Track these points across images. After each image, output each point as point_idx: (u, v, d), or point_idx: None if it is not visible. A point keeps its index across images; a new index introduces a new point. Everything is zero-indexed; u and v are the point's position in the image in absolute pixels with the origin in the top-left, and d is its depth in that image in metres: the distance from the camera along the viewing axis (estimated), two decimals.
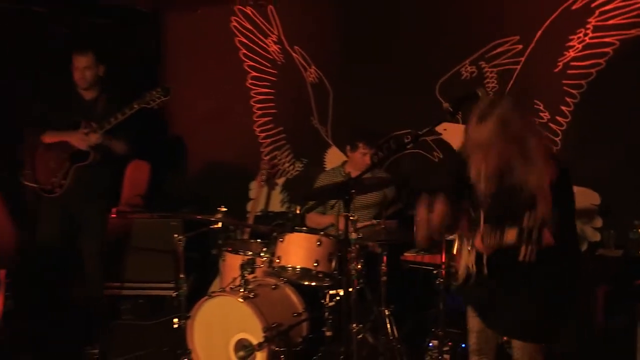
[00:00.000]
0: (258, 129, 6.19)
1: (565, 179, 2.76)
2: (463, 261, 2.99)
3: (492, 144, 2.69)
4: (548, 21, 4.86)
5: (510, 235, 2.69)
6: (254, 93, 6.17)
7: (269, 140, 6.16)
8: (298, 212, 4.87)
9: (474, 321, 3.13)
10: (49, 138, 4.80)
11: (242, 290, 4.10)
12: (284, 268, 4.27)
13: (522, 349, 2.94)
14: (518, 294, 2.86)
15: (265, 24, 6.00)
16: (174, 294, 4.99)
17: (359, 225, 4.25)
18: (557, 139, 4.93)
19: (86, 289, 5.14)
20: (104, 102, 4.85)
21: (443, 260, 4.15)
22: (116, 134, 4.78)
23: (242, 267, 4.17)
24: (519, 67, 5.01)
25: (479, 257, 2.90)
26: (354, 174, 4.94)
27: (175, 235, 4.56)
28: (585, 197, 4.83)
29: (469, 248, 2.99)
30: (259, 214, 5.77)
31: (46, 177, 4.79)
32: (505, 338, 3.07)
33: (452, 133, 5.26)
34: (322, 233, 4.30)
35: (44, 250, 4.87)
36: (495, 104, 2.76)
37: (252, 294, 4.10)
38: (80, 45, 4.86)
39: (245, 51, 6.14)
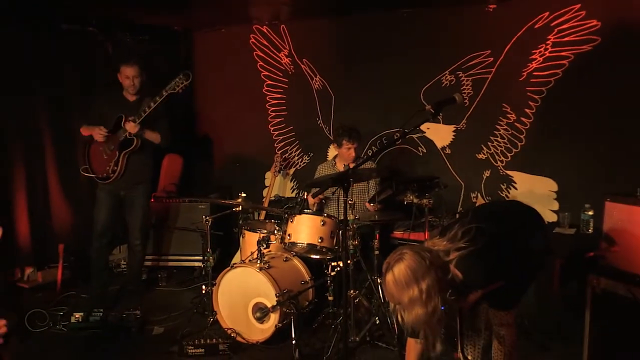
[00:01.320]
0: (272, 128, 6.18)
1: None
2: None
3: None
4: (514, 38, 4.83)
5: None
6: (269, 98, 6.15)
7: (281, 138, 6.16)
8: (305, 197, 4.85)
9: None
10: (84, 130, 4.84)
11: (258, 262, 4.11)
12: (293, 244, 4.27)
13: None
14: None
15: (279, 40, 5.98)
16: (202, 265, 5.03)
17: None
18: (522, 136, 4.92)
19: (130, 257, 5.18)
20: (147, 103, 4.73)
21: (426, 237, 4.16)
22: (151, 126, 4.78)
23: (259, 243, 4.17)
24: (490, 76, 4.99)
25: None
26: (340, 166, 4.97)
27: (204, 217, 4.59)
28: (544, 184, 4.84)
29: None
30: (273, 198, 5.77)
31: (102, 167, 4.79)
32: None
33: (434, 131, 5.26)
34: (325, 215, 4.30)
35: (100, 228, 4.93)
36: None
37: (267, 265, 4.12)
38: (127, 58, 4.86)
39: (262, 63, 6.12)
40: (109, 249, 5.25)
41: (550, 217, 4.79)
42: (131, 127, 4.64)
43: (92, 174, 4.85)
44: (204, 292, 4.47)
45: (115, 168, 4.75)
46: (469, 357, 2.85)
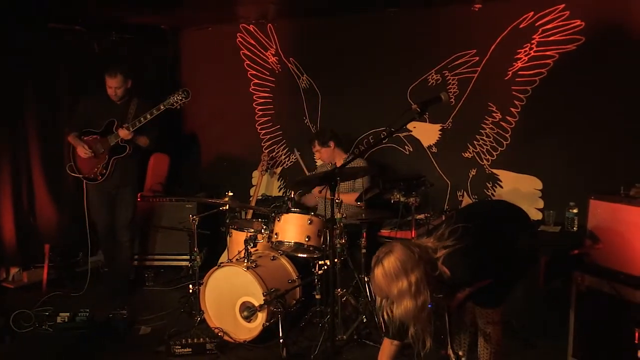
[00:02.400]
0: (259, 127, 6.15)
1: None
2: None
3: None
4: (500, 37, 4.85)
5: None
6: (256, 97, 6.13)
7: (268, 136, 6.14)
8: (292, 196, 4.85)
9: None
10: (70, 140, 4.88)
11: (246, 261, 4.10)
12: (280, 242, 4.27)
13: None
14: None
15: (266, 39, 5.96)
16: (189, 264, 5.01)
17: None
18: (507, 135, 4.93)
19: (118, 255, 5.18)
20: (135, 107, 4.89)
21: (413, 236, 4.17)
22: (140, 131, 4.83)
23: (246, 242, 4.17)
24: (476, 75, 5.00)
25: None
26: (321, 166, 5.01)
27: (191, 216, 4.57)
28: (530, 183, 4.86)
29: None
30: (260, 197, 5.76)
31: (89, 168, 4.85)
32: None
33: (420, 130, 5.27)
34: (312, 214, 4.29)
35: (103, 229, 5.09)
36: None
37: (254, 264, 4.11)
38: (111, 68, 4.85)
39: (248, 62, 6.09)
40: (118, 245, 5.21)
41: (535, 215, 4.82)
42: (125, 134, 4.72)
43: (78, 173, 4.87)
44: (191, 291, 4.46)
45: (104, 171, 4.83)
46: (460, 353, 2.85)
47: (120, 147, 4.81)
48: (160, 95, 4.89)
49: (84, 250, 5.39)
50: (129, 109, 4.85)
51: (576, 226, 4.15)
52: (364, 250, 4.36)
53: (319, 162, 5.28)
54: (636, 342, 3.17)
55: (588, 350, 3.53)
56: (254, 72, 6.09)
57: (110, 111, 4.84)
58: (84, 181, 4.92)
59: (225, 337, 4.09)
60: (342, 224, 4.19)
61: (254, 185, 6.01)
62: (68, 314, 4.35)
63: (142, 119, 4.69)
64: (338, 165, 4.91)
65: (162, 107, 4.65)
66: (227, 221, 4.84)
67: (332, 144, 4.99)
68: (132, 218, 5.13)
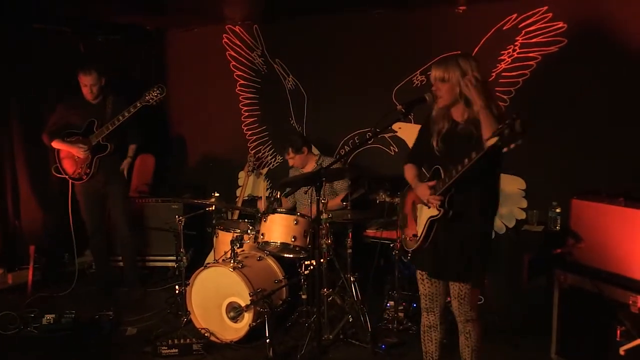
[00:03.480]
0: (245, 128, 6.14)
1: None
2: (418, 228, 3.02)
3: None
4: (484, 39, 4.88)
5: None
6: (242, 98, 6.12)
7: (254, 137, 6.13)
8: (278, 196, 4.84)
9: (422, 285, 3.15)
10: (57, 144, 4.90)
11: (232, 261, 4.09)
12: (267, 243, 4.26)
13: (459, 297, 2.99)
14: (451, 249, 2.92)
15: (252, 40, 5.95)
16: (176, 265, 4.99)
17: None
18: None
19: (122, 252, 5.24)
20: (111, 104, 4.91)
21: (398, 235, 4.19)
22: (121, 130, 4.88)
23: (232, 242, 4.15)
24: None
25: (429, 226, 2.94)
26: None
27: (177, 216, 4.55)
28: (513, 183, 4.89)
29: (419, 215, 3.03)
30: (246, 198, 5.73)
31: (73, 168, 4.89)
32: (449, 299, 3.08)
33: (406, 131, 5.28)
34: (298, 214, 4.29)
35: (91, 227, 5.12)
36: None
37: (241, 264, 4.10)
38: (85, 66, 4.87)
39: (234, 63, 6.08)
40: (106, 243, 5.24)
41: (519, 214, 4.85)
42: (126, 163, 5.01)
43: (64, 174, 4.92)
44: (177, 292, 4.44)
45: (89, 170, 4.86)
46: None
47: (102, 145, 4.85)
48: (109, 94, 4.97)
49: (69, 251, 5.35)
50: (106, 107, 4.89)
51: (559, 225, 4.19)
52: (349, 250, 4.36)
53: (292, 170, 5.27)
54: (618, 339, 3.21)
55: (571, 348, 3.56)
56: (240, 73, 6.08)
57: (88, 111, 4.88)
58: (70, 182, 4.94)
59: (212, 338, 4.07)
60: (327, 224, 4.19)
61: (240, 186, 5.99)
62: (53, 315, 4.30)
63: (120, 117, 4.72)
64: (308, 169, 4.94)
65: (138, 105, 4.69)
66: (214, 222, 4.84)
67: (305, 149, 5.00)
68: (127, 210, 5.17)
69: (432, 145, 2.96)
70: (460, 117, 2.88)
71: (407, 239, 3.15)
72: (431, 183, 2.90)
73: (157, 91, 4.68)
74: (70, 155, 4.89)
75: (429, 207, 2.93)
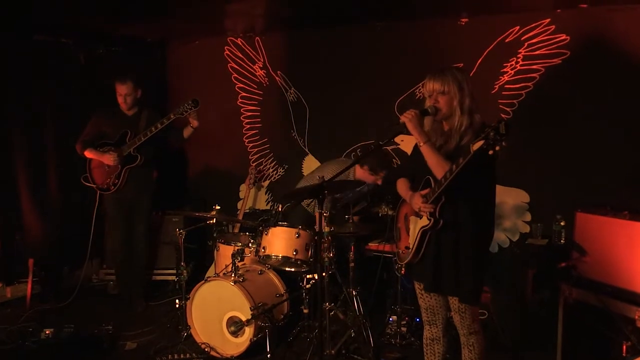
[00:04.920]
0: (247, 140, 6.16)
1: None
2: (410, 240, 3.02)
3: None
4: (486, 51, 4.90)
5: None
6: (244, 110, 6.14)
7: (255, 150, 6.14)
8: (280, 209, 4.84)
9: (421, 299, 3.15)
10: (89, 154, 4.92)
11: (233, 275, 4.08)
12: (268, 256, 4.25)
13: (459, 310, 2.97)
14: (444, 262, 2.92)
15: (253, 52, 5.98)
16: (176, 279, 4.99)
17: None
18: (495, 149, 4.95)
19: (133, 271, 5.18)
20: (146, 116, 4.98)
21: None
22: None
23: (233, 255, 4.15)
24: None
25: (421, 237, 2.95)
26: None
27: (177, 229, 4.55)
28: (517, 196, 4.89)
29: (412, 226, 3.03)
30: (247, 211, 5.74)
31: (102, 179, 4.93)
32: (451, 313, 3.07)
33: (408, 143, 5.27)
34: (300, 227, 4.29)
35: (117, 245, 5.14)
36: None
37: (242, 278, 4.09)
38: (121, 74, 4.92)
39: (236, 75, 6.11)
40: (128, 261, 5.19)
41: (523, 228, 4.84)
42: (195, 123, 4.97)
43: (92, 183, 4.97)
44: (177, 306, 4.42)
45: (117, 181, 4.89)
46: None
47: (132, 156, 4.89)
48: (144, 107, 5.00)
49: (69, 264, 5.35)
50: (140, 120, 4.95)
51: (563, 239, 4.17)
52: (352, 264, 4.36)
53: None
54: (624, 354, 3.19)
55: None
56: (242, 85, 6.10)
57: (122, 122, 4.93)
58: (98, 193, 5.00)
59: (212, 353, 4.05)
60: (330, 237, 4.18)
61: (241, 199, 5.99)
62: (52, 329, 4.29)
63: (153, 128, 4.77)
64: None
65: (172, 117, 4.75)
66: (215, 235, 4.82)
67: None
68: (150, 225, 5.22)
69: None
70: (452, 128, 2.92)
71: (400, 252, 3.15)
72: (423, 192, 2.92)
73: (192, 104, 4.74)
74: (100, 165, 4.92)
75: (421, 218, 2.94)
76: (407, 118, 2.86)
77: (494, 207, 3.02)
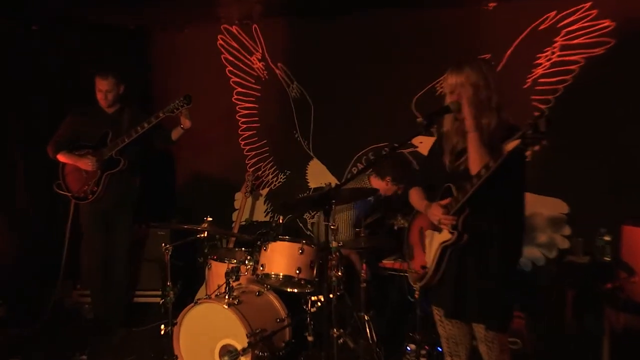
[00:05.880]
0: (243, 142, 6.16)
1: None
2: (427, 258, 2.98)
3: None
4: (517, 40, 4.89)
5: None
6: (239, 108, 6.15)
7: (253, 153, 6.14)
8: (281, 221, 4.83)
9: (442, 328, 3.12)
10: (63, 157, 4.90)
11: (227, 297, 4.06)
12: (267, 275, 4.24)
13: (486, 340, 2.93)
14: (467, 283, 2.88)
15: (250, 42, 5.99)
16: (161, 301, 4.94)
17: None
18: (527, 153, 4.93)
19: (111, 294, 5.15)
20: (130, 114, 4.98)
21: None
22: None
23: (227, 274, 4.13)
24: None
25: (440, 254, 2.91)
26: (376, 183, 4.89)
27: (163, 244, 4.52)
28: (553, 206, 4.87)
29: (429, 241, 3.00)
30: (243, 223, 5.74)
31: (78, 186, 4.89)
32: (476, 342, 3.04)
33: (428, 146, 5.24)
34: (304, 242, 4.27)
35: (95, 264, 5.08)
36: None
37: (237, 300, 4.07)
38: (102, 69, 4.93)
39: (231, 68, 6.11)
40: (106, 281, 5.16)
41: (561, 243, 4.81)
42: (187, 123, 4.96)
43: (67, 192, 4.92)
44: (163, 332, 4.39)
45: (95, 189, 4.86)
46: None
47: (114, 160, 4.87)
48: (127, 104, 5.00)
49: (39, 285, 5.34)
50: (123, 119, 4.95)
51: (608, 256, 4.14)
52: (363, 284, 4.33)
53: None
54: None
55: None
56: (237, 80, 6.10)
57: (102, 122, 4.93)
58: (73, 202, 4.98)
59: None
60: (338, 254, 4.15)
61: (236, 209, 5.98)
62: (19, 358, 4.28)
63: (139, 128, 4.76)
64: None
65: (161, 115, 4.76)
66: (206, 251, 4.81)
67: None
68: (131, 241, 5.21)
69: (444, 163, 2.95)
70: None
71: (414, 272, 3.12)
72: (444, 202, 2.88)
73: (184, 101, 4.75)
74: (76, 170, 4.90)
75: (440, 232, 2.90)
76: (464, 95, 2.83)
77: (525, 219, 2.97)
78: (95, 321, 5.24)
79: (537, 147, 2.42)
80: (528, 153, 2.46)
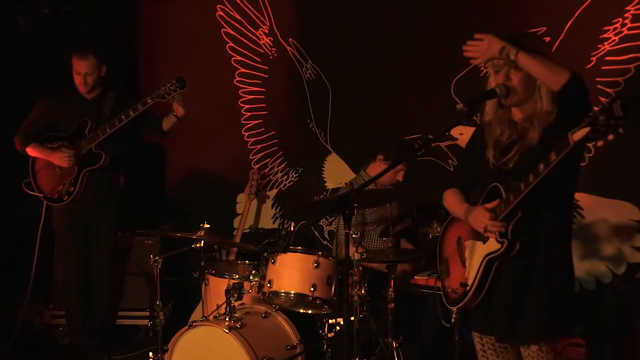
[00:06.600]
0: (246, 134, 6.19)
1: None
2: (468, 273, 2.99)
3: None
4: (579, 9, 4.87)
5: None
6: (243, 92, 6.17)
7: (258, 147, 6.16)
8: (292, 229, 4.86)
9: (484, 358, 3.12)
10: (33, 151, 4.95)
11: (227, 319, 4.07)
12: (276, 293, 4.25)
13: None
14: (517, 301, 2.87)
15: (256, 13, 6.01)
16: (149, 324, 5.00)
17: None
18: (589, 145, 4.89)
19: (90, 314, 5.23)
20: (112, 100, 5.03)
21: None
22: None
23: (228, 292, 4.14)
24: None
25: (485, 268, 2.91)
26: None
27: (152, 256, 4.55)
28: (622, 211, 4.84)
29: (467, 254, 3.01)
30: (247, 231, 5.76)
31: (52, 185, 4.95)
32: None
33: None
34: (320, 253, 4.29)
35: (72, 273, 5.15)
36: None
37: (239, 323, 4.08)
38: (81, 49, 4.97)
39: (232, 44, 6.14)
40: (85, 298, 5.25)
41: (631, 256, 4.79)
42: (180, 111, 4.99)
43: (39, 192, 4.97)
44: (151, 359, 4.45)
45: (72, 189, 4.90)
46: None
47: (94, 155, 4.90)
48: (109, 88, 5.04)
49: (3, 304, 5.40)
50: (104, 106, 4.99)
51: None
52: (391, 304, 4.34)
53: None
54: None
55: None
56: (240, 58, 6.13)
57: (80, 109, 4.97)
58: (45, 203, 5.01)
59: None
60: (361, 268, 4.18)
61: (239, 214, 6.01)
62: None
63: (123, 117, 4.79)
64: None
65: (149, 101, 4.79)
66: (202, 264, 4.83)
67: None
68: (112, 249, 5.26)
69: (487, 159, 2.95)
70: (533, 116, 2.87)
71: (451, 291, 3.11)
72: (491, 204, 2.87)
73: (177, 84, 4.79)
74: (49, 166, 4.95)
75: (485, 242, 2.91)
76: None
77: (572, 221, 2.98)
78: (70, 347, 5.30)
79: (611, 137, 2.39)
80: (600, 144, 2.42)
